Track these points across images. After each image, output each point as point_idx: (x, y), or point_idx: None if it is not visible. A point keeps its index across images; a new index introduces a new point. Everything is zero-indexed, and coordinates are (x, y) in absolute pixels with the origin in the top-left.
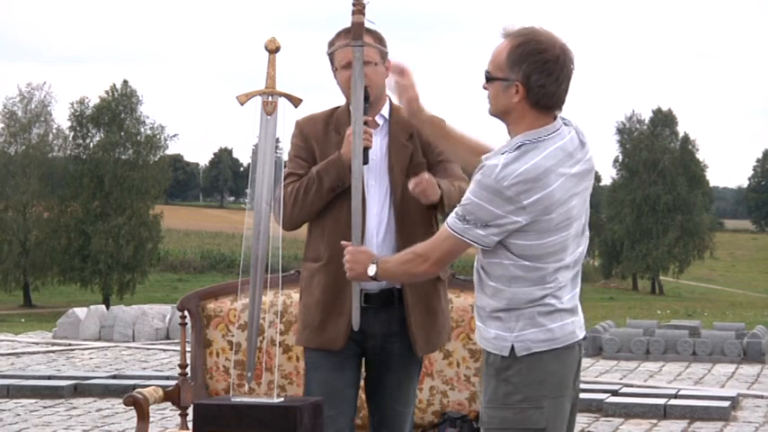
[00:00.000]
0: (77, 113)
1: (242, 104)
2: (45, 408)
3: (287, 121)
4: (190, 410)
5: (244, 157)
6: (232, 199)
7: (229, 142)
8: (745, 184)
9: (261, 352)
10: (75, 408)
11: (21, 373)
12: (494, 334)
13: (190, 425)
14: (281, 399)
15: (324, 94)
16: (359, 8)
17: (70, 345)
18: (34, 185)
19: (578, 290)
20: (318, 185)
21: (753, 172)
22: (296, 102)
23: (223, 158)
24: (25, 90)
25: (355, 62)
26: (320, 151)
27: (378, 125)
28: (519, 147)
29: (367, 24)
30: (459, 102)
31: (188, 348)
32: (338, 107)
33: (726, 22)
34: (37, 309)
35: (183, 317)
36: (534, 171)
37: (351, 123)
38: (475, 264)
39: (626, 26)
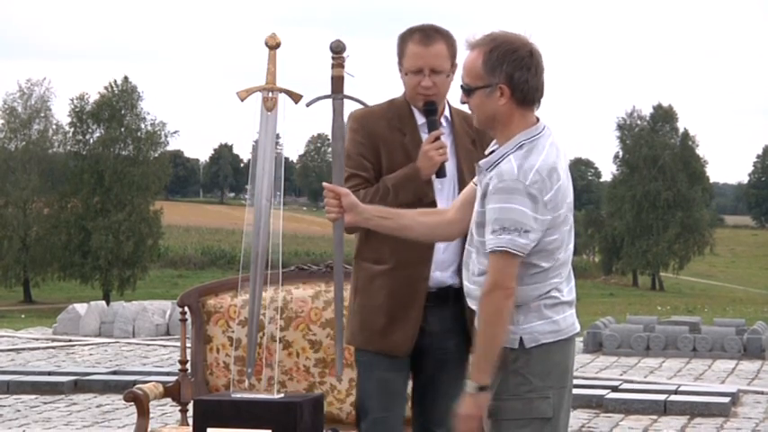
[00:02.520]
0: (77, 109)
1: (242, 100)
2: (45, 403)
3: (287, 117)
4: (190, 406)
5: (244, 153)
6: (232, 195)
7: (230, 138)
8: (745, 180)
9: (261, 348)
10: (75, 403)
11: (21, 369)
12: None
13: (190, 421)
14: (282, 395)
15: (324, 91)
16: (339, 62)
17: (70, 341)
18: (34, 181)
19: (573, 284)
20: (393, 199)
21: (753, 168)
22: (296, 98)
23: (223, 154)
24: (25, 86)
25: (335, 116)
26: (386, 151)
27: (442, 125)
28: (521, 146)
29: (347, 77)
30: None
31: (188, 344)
32: (394, 100)
33: (726, 19)
34: (37, 305)
35: (184, 313)
36: (546, 167)
37: (421, 132)
38: (474, 266)
39: (626, 23)
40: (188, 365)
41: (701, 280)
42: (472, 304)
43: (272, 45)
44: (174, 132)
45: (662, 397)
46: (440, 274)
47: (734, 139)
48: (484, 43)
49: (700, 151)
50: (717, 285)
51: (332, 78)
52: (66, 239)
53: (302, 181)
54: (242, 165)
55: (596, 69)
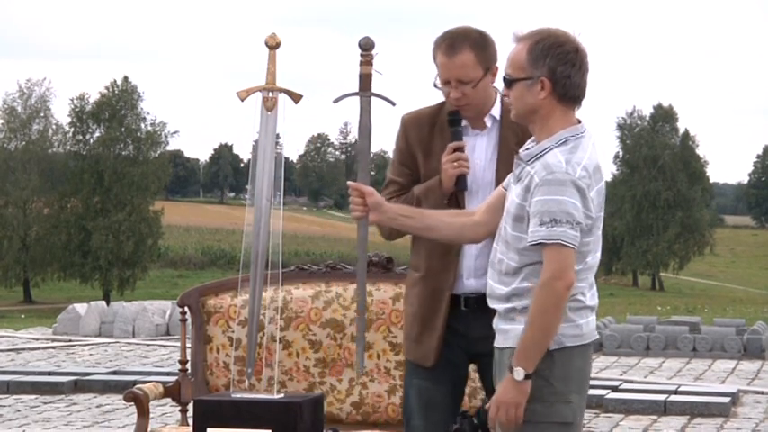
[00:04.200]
0: (77, 109)
1: (242, 100)
2: (45, 403)
3: (287, 117)
4: (190, 406)
5: (244, 153)
6: (232, 195)
7: (230, 138)
8: (745, 180)
9: (261, 348)
10: (75, 403)
11: (21, 369)
12: (522, 328)
13: (190, 421)
14: (282, 395)
15: (324, 91)
16: (367, 60)
17: (70, 341)
18: (34, 181)
19: (595, 289)
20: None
21: (753, 168)
22: (296, 98)
23: (223, 154)
24: (25, 86)
25: (362, 113)
26: (423, 156)
27: (486, 126)
28: (565, 142)
29: (375, 75)
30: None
31: (188, 344)
32: (445, 103)
33: (726, 19)
34: (37, 305)
35: (184, 313)
36: (591, 164)
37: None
38: (502, 266)
39: (627, 23)
40: (188, 365)
41: (700, 280)
42: (494, 304)
43: (272, 45)
44: (174, 132)
45: (662, 397)
46: (474, 282)
47: (734, 139)
48: (530, 36)
49: (700, 151)
50: (717, 285)
51: (360, 76)
52: (66, 239)
53: (302, 181)
54: (242, 165)
55: (596, 69)
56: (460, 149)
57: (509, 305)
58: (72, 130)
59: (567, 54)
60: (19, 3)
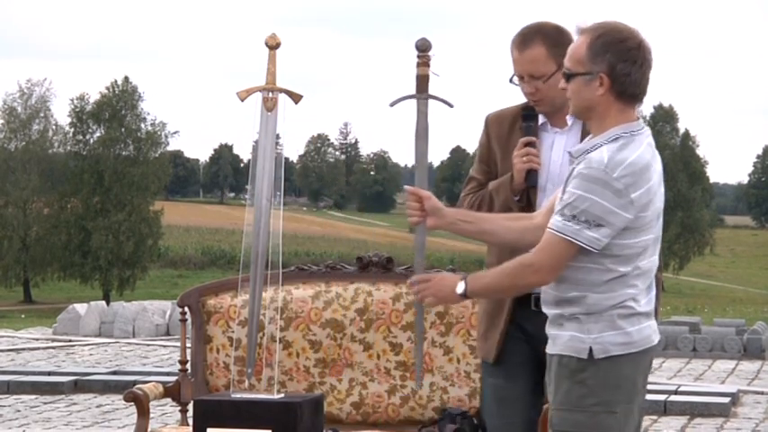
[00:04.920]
0: (77, 109)
1: (242, 101)
2: (45, 404)
3: (287, 117)
4: (190, 406)
5: (244, 153)
6: (232, 195)
7: (230, 138)
8: (745, 180)
9: (261, 348)
10: (75, 404)
11: (21, 369)
12: (569, 336)
13: (190, 421)
14: (282, 395)
15: (323, 90)
16: (424, 61)
17: (70, 341)
18: (34, 181)
19: (653, 294)
20: (489, 206)
21: (753, 168)
22: (296, 98)
23: (223, 154)
24: (25, 86)
25: (419, 116)
26: (501, 154)
27: (566, 125)
28: (616, 139)
29: (432, 77)
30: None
31: (188, 344)
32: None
33: (727, 19)
34: (37, 305)
35: (184, 313)
36: (639, 163)
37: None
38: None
39: (627, 22)
40: (188, 365)
41: (700, 280)
42: (545, 309)
43: (272, 45)
44: (174, 132)
45: (662, 397)
46: None
47: (734, 139)
48: (591, 30)
49: (700, 151)
50: (717, 285)
51: (417, 77)
52: (66, 239)
53: (302, 181)
54: (242, 165)
55: None
56: (531, 144)
57: (557, 311)
58: (72, 130)
59: (629, 50)
60: (19, 3)
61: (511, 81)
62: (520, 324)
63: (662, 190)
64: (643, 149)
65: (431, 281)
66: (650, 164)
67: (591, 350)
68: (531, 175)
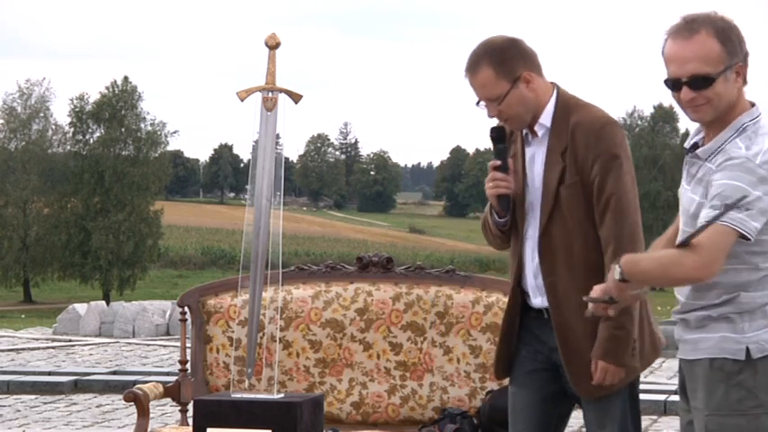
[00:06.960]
0: (77, 109)
1: (242, 100)
2: (45, 404)
3: (287, 117)
4: (190, 406)
5: (244, 153)
6: (232, 195)
7: (230, 138)
8: None
9: (261, 348)
10: (75, 404)
11: (21, 369)
12: (719, 337)
13: (190, 421)
14: (281, 395)
15: (323, 90)
16: None
17: (70, 341)
18: (34, 181)
19: None
20: (486, 223)
21: None
22: (296, 98)
23: (223, 154)
24: (24, 86)
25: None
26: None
27: (537, 135)
28: (744, 129)
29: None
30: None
31: (188, 344)
32: None
33: None
34: (37, 305)
35: (184, 313)
36: None
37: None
38: None
39: (627, 22)
40: (188, 365)
41: None
42: (685, 313)
43: (272, 45)
44: (174, 132)
45: (662, 397)
46: (540, 300)
47: None
48: (708, 23)
49: None
50: None
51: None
52: (66, 239)
53: (302, 181)
54: (242, 165)
55: (597, 69)
56: (498, 168)
57: (702, 313)
58: (72, 130)
59: (740, 30)
60: (19, 3)
61: (477, 105)
62: (533, 332)
63: None
64: None
65: (603, 291)
66: None
67: (748, 350)
68: (502, 200)
